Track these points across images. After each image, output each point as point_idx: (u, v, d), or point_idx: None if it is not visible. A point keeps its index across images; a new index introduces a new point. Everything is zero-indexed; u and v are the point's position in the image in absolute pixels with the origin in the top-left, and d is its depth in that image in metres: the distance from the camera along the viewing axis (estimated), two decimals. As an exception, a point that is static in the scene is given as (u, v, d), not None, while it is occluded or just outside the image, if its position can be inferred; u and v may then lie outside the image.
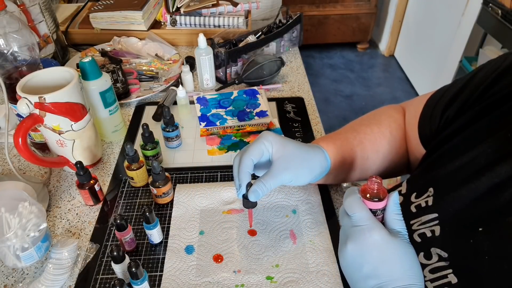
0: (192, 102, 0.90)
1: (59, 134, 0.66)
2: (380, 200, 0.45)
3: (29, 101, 0.60)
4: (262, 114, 0.85)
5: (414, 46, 2.71)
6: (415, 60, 2.69)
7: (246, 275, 0.55)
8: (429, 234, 0.43)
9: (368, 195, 0.45)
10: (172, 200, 0.66)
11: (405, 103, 0.66)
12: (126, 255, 0.53)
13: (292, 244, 0.59)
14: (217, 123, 0.83)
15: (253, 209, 0.57)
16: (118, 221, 0.55)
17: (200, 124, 0.83)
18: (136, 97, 0.92)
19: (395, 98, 2.62)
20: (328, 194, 0.68)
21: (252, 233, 0.61)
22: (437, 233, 0.42)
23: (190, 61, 1.03)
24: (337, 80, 2.81)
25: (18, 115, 0.72)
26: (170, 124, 0.76)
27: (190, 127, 0.85)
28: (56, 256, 0.55)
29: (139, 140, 0.80)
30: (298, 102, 0.92)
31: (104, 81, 0.74)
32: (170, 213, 0.65)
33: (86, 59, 0.71)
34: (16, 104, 0.62)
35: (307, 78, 1.03)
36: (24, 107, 0.60)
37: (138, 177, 0.68)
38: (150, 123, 0.79)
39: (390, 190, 0.54)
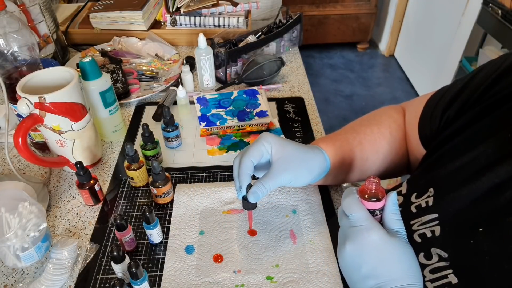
0: (192, 102, 0.90)
1: (59, 134, 0.66)
2: (378, 200, 0.45)
3: (29, 101, 0.60)
4: (262, 114, 0.85)
5: (414, 46, 2.71)
6: (415, 60, 2.69)
7: (246, 275, 0.55)
8: (429, 234, 0.43)
9: (366, 196, 0.45)
10: (172, 200, 0.66)
11: (405, 103, 0.66)
12: (126, 255, 0.53)
13: (292, 244, 0.59)
14: (217, 123, 0.83)
15: (253, 210, 0.57)
16: (118, 221, 0.55)
17: (200, 124, 0.83)
18: (136, 97, 0.92)
19: (395, 98, 2.62)
20: (328, 194, 0.68)
21: (252, 233, 0.61)
22: (437, 233, 0.42)
23: (190, 61, 1.03)
24: (337, 80, 2.81)
25: (18, 115, 0.72)
26: (170, 124, 0.76)
27: (190, 127, 0.85)
28: (56, 256, 0.55)
29: (139, 140, 0.80)
30: (298, 102, 0.92)
31: (104, 81, 0.74)
32: (170, 213, 0.64)
33: (86, 59, 0.71)
34: (16, 104, 0.62)
35: (307, 78, 1.03)
36: (24, 107, 0.60)
37: (138, 177, 0.68)
38: (150, 123, 0.79)
39: (389, 191, 0.55)
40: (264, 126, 0.83)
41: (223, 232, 0.61)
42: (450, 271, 0.40)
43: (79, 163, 0.62)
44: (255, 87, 0.94)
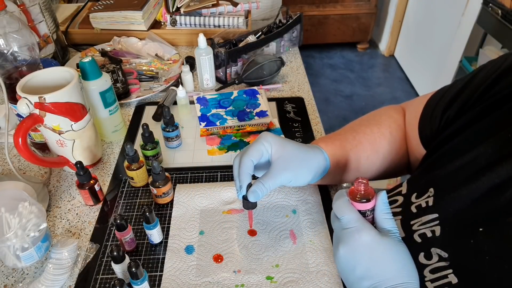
0: (192, 102, 0.90)
1: (59, 134, 0.66)
2: (369, 200, 0.45)
3: (29, 101, 0.60)
4: (262, 114, 0.85)
5: (414, 46, 2.71)
6: (415, 60, 2.69)
7: (246, 275, 0.55)
8: (429, 234, 0.43)
9: (356, 197, 0.45)
10: (172, 200, 0.66)
11: (405, 103, 0.66)
12: (126, 255, 0.53)
13: (292, 244, 0.59)
14: (217, 123, 0.83)
15: (253, 210, 0.57)
16: (118, 221, 0.55)
17: (200, 124, 0.83)
18: (136, 97, 0.92)
19: (395, 98, 2.62)
20: (328, 194, 0.68)
21: (252, 233, 0.61)
22: (438, 233, 0.42)
23: (190, 61, 1.03)
24: (337, 80, 2.81)
25: (18, 115, 0.72)
26: (170, 124, 0.76)
27: (190, 127, 0.85)
28: (56, 256, 0.55)
29: (139, 140, 0.80)
30: (298, 102, 0.92)
31: (104, 81, 0.74)
32: (170, 213, 0.64)
33: (86, 59, 0.71)
34: (16, 104, 0.62)
35: (307, 78, 1.03)
36: (24, 107, 0.60)
37: (138, 177, 0.68)
38: (150, 123, 0.79)
39: (389, 191, 0.55)
40: (264, 126, 0.83)
41: (223, 232, 0.61)
42: (450, 271, 0.40)
43: (79, 163, 0.62)
44: (255, 87, 0.94)
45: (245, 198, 0.55)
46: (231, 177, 0.71)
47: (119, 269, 0.52)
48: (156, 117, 0.87)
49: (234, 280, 0.54)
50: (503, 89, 0.45)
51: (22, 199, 0.56)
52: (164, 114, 0.74)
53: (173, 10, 1.13)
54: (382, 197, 0.46)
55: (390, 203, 0.51)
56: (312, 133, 0.83)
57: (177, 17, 1.13)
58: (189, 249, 0.58)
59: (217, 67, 0.97)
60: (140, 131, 0.81)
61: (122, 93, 0.92)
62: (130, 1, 1.15)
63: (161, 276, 0.55)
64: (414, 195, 0.48)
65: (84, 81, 0.72)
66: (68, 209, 0.67)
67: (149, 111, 0.90)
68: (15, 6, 0.88)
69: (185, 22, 1.14)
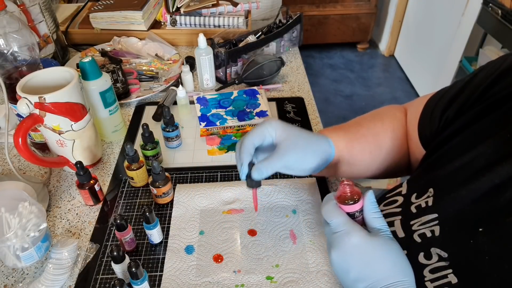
0: (192, 102, 0.90)
1: (59, 134, 0.66)
2: (356, 202, 0.45)
3: (29, 101, 0.60)
4: (262, 114, 0.85)
5: (414, 46, 2.71)
6: (415, 60, 2.69)
7: (246, 275, 0.55)
8: (429, 234, 0.43)
9: (345, 200, 0.46)
10: (172, 200, 0.66)
11: (407, 104, 0.65)
12: (126, 255, 0.53)
13: (292, 244, 0.59)
14: (217, 123, 0.83)
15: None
16: (118, 221, 0.55)
17: (200, 124, 0.83)
18: (136, 97, 0.93)
19: (395, 98, 2.62)
20: (328, 194, 0.68)
21: (252, 233, 0.61)
22: (437, 233, 0.42)
23: (190, 61, 1.03)
24: (337, 80, 2.81)
25: (18, 115, 0.72)
26: (170, 124, 0.76)
27: (190, 127, 0.85)
28: (56, 256, 0.55)
29: (139, 140, 0.80)
30: (298, 102, 0.92)
31: (104, 81, 0.74)
32: (170, 213, 0.65)
33: (86, 59, 0.71)
34: (16, 104, 0.62)
35: (307, 78, 1.03)
36: (24, 107, 0.60)
37: (138, 177, 0.68)
38: (150, 123, 0.79)
39: (389, 191, 0.55)
40: (264, 126, 0.83)
41: (223, 232, 0.61)
42: (450, 271, 0.40)
43: (79, 163, 0.62)
44: (255, 87, 0.94)
45: (248, 176, 0.53)
46: (231, 177, 0.72)
47: (119, 269, 0.52)
48: (156, 117, 0.87)
49: (234, 280, 0.54)
50: (502, 90, 0.45)
51: (22, 199, 0.56)
52: (164, 114, 0.74)
53: (173, 10, 1.13)
54: (369, 197, 0.46)
55: (390, 203, 0.51)
56: (312, 133, 0.83)
57: (177, 17, 1.13)
58: (189, 249, 0.58)
59: (217, 67, 0.97)
60: (140, 131, 0.81)
61: (122, 93, 0.92)
62: (130, 1, 1.15)
63: (161, 276, 0.55)
64: (414, 195, 0.48)
65: (84, 81, 0.72)
66: (68, 209, 0.67)
67: (149, 111, 0.90)
68: (15, 6, 0.88)
69: (185, 22, 1.14)
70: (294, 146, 0.53)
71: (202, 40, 0.90)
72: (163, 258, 0.58)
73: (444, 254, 0.41)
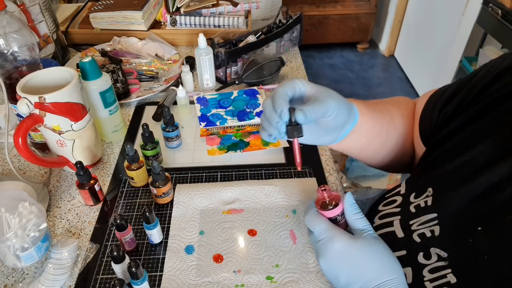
0: (192, 102, 0.90)
1: (59, 134, 0.66)
2: (336, 206, 0.46)
3: (29, 101, 0.60)
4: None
5: (414, 46, 2.71)
6: (415, 60, 2.69)
7: (246, 275, 0.55)
8: (428, 234, 0.43)
9: (325, 206, 0.46)
10: (172, 200, 0.66)
11: (416, 99, 0.65)
12: (126, 255, 0.53)
13: (292, 244, 0.59)
14: (217, 123, 0.83)
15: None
16: (118, 221, 0.55)
17: (200, 124, 0.83)
18: (136, 97, 0.93)
19: (395, 98, 2.62)
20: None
21: (252, 233, 0.61)
22: (437, 233, 0.42)
23: (190, 61, 1.03)
24: (337, 80, 2.81)
25: (18, 115, 0.73)
26: (170, 124, 0.76)
27: (190, 127, 0.85)
28: (56, 256, 0.56)
29: (139, 140, 0.80)
30: (298, 102, 0.92)
31: (104, 81, 0.74)
32: (170, 213, 0.65)
33: (86, 59, 0.71)
34: (16, 104, 0.62)
35: (307, 78, 1.03)
36: (24, 107, 0.60)
37: (138, 177, 0.68)
38: (150, 123, 0.79)
39: (388, 191, 0.55)
40: (264, 126, 0.83)
41: (223, 232, 0.61)
42: (449, 270, 0.40)
43: (79, 163, 0.62)
44: (255, 87, 0.94)
45: (288, 125, 0.47)
46: (231, 177, 0.72)
47: (119, 269, 0.52)
48: (156, 117, 0.87)
49: (234, 280, 0.54)
50: (501, 88, 0.45)
51: (22, 199, 0.56)
52: (164, 114, 0.74)
53: (173, 10, 1.13)
54: (348, 199, 0.46)
55: (389, 203, 0.51)
56: (312, 133, 0.83)
57: (177, 17, 1.13)
58: (189, 249, 0.58)
59: (217, 67, 0.97)
60: (140, 131, 0.81)
61: (122, 93, 0.92)
62: (130, 1, 1.15)
63: (161, 276, 0.55)
64: (413, 195, 0.48)
65: (84, 81, 0.72)
66: (68, 209, 0.67)
67: (149, 111, 0.90)
68: (15, 6, 0.88)
69: (185, 22, 1.14)
70: (330, 95, 0.49)
71: (202, 40, 0.90)
72: (163, 258, 0.58)
73: (444, 254, 0.41)
